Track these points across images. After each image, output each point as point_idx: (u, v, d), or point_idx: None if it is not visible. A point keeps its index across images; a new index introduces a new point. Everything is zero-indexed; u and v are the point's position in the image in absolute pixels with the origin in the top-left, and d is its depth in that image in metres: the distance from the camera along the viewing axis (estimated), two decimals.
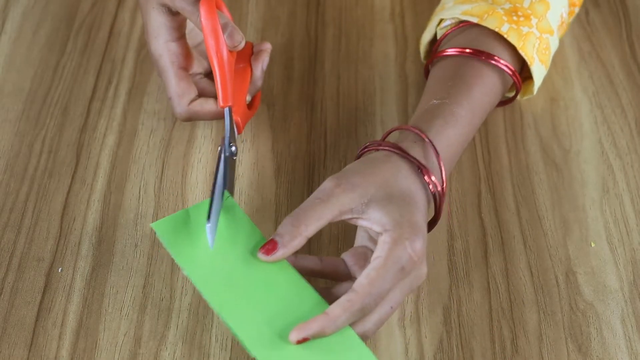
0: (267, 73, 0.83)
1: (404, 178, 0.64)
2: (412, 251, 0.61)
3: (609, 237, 0.72)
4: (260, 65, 0.76)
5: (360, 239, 0.65)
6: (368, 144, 0.68)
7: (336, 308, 0.59)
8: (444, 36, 0.76)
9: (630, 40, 0.87)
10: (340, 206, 0.62)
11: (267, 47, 0.77)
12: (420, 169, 0.65)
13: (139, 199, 0.74)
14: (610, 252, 0.71)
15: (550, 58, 0.76)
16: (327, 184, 0.63)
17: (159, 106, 0.81)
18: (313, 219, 0.61)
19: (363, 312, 0.59)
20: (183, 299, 0.68)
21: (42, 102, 0.81)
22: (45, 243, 0.71)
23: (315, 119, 0.80)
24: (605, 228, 0.72)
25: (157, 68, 0.74)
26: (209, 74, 0.77)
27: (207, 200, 0.64)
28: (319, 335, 0.58)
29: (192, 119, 0.74)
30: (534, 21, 0.73)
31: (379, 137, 0.78)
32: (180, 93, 0.73)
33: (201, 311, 0.67)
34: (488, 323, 0.67)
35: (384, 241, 0.61)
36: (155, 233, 0.64)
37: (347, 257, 0.64)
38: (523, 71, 0.76)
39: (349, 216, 0.62)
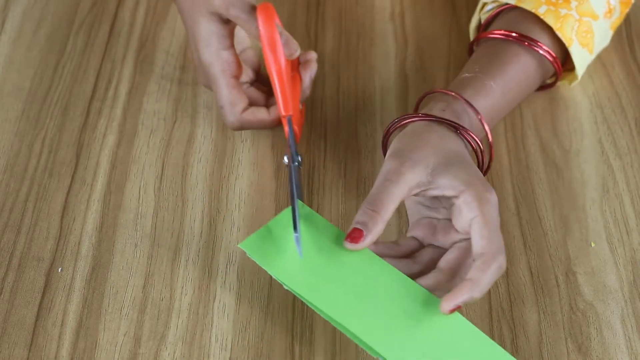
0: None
1: (451, 141, 0.66)
2: (493, 199, 0.63)
3: (609, 237, 0.72)
4: (309, 74, 0.76)
5: (415, 214, 0.67)
6: (398, 119, 0.69)
7: (476, 272, 0.60)
8: (487, 20, 0.77)
9: (630, 40, 0.87)
10: (409, 182, 0.63)
11: (314, 56, 0.77)
12: (458, 129, 0.66)
13: (138, 199, 0.74)
14: (610, 252, 0.71)
15: (596, 43, 0.76)
16: (391, 164, 0.64)
17: (159, 106, 0.81)
18: (388, 201, 0.62)
19: (500, 270, 0.61)
20: (183, 299, 0.68)
21: (42, 102, 0.81)
22: (45, 243, 0.71)
23: (315, 119, 0.80)
24: (605, 228, 0.72)
25: (206, 77, 0.74)
26: (254, 83, 0.77)
27: (288, 211, 0.64)
28: (469, 301, 0.60)
29: (243, 127, 0.74)
30: (573, 4, 0.74)
31: (379, 137, 0.78)
32: (232, 102, 0.73)
33: (201, 311, 0.67)
34: (488, 323, 0.67)
35: (467, 202, 0.62)
36: (244, 252, 0.65)
37: (416, 232, 0.66)
38: (567, 59, 0.77)
39: (417, 190, 0.64)
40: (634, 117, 0.80)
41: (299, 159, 0.70)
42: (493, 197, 0.63)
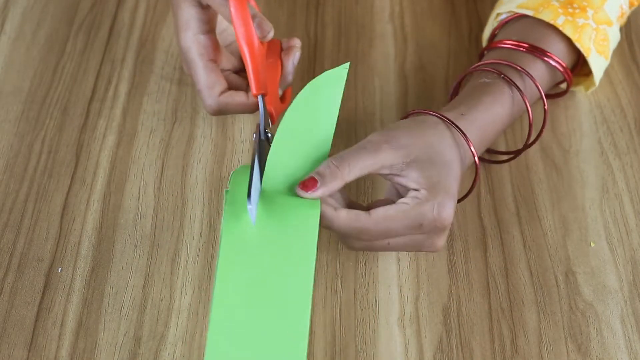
0: None
1: (448, 147, 0.65)
2: (438, 214, 0.62)
3: (608, 237, 0.72)
4: (291, 60, 0.75)
5: (388, 194, 0.67)
6: (417, 109, 0.70)
7: (341, 211, 0.62)
8: (499, 26, 0.77)
9: (629, 40, 0.87)
10: (383, 160, 0.63)
11: (297, 42, 0.76)
12: (467, 140, 0.66)
13: (138, 199, 0.74)
14: (609, 252, 0.71)
15: (611, 49, 0.77)
16: (375, 137, 0.64)
17: (159, 106, 0.81)
18: (354, 165, 0.63)
19: (360, 234, 0.62)
20: (183, 299, 0.68)
21: (41, 103, 0.81)
22: (45, 243, 0.71)
23: None
24: (604, 228, 0.72)
25: (185, 61, 0.74)
26: (238, 72, 0.77)
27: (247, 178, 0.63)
28: (322, 216, 0.61)
29: (222, 111, 0.73)
30: (590, 12, 0.74)
31: None
32: (210, 85, 0.72)
33: (201, 311, 0.67)
34: (488, 323, 0.67)
35: (415, 195, 0.62)
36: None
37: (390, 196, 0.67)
38: (582, 63, 0.77)
39: (388, 172, 0.64)
40: (634, 117, 0.80)
41: (269, 136, 0.69)
42: (445, 210, 0.62)
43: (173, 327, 0.66)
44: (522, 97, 0.70)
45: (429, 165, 0.64)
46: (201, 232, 0.72)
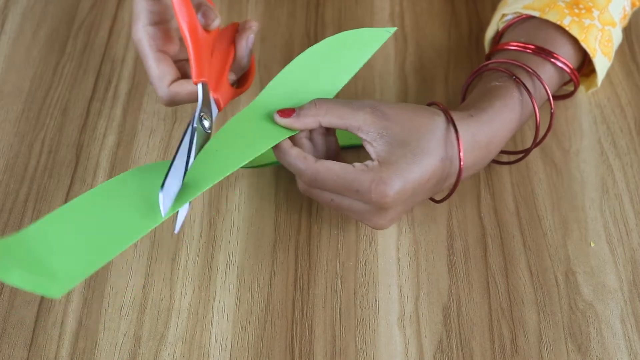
0: (267, 73, 0.83)
1: (433, 140, 0.65)
2: (375, 187, 0.63)
3: (608, 237, 0.72)
4: (244, 43, 0.74)
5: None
6: (434, 101, 0.70)
7: (294, 149, 0.65)
8: (505, 28, 0.77)
9: (629, 41, 0.87)
10: (360, 122, 0.65)
11: (252, 25, 0.75)
12: (458, 142, 0.66)
13: None
14: (609, 252, 0.71)
15: (614, 50, 0.77)
16: (366, 101, 0.66)
17: (159, 106, 0.81)
18: (335, 113, 0.66)
19: (301, 176, 0.65)
20: (183, 299, 0.68)
21: (41, 103, 0.81)
22: None
23: None
24: (604, 228, 0.72)
25: (138, 53, 0.73)
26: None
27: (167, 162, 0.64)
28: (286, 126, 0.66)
29: (174, 101, 0.72)
30: (595, 13, 0.74)
31: None
32: (160, 75, 0.71)
33: (201, 311, 0.67)
34: (487, 323, 0.67)
35: (366, 163, 0.64)
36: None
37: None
38: (586, 63, 0.77)
39: (361, 134, 0.65)
40: (634, 117, 0.80)
41: (207, 125, 0.67)
42: (385, 187, 0.63)
43: (173, 327, 0.66)
44: (530, 99, 0.70)
45: (400, 145, 0.64)
46: (201, 232, 0.72)
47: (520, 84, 0.70)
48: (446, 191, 0.69)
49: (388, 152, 0.64)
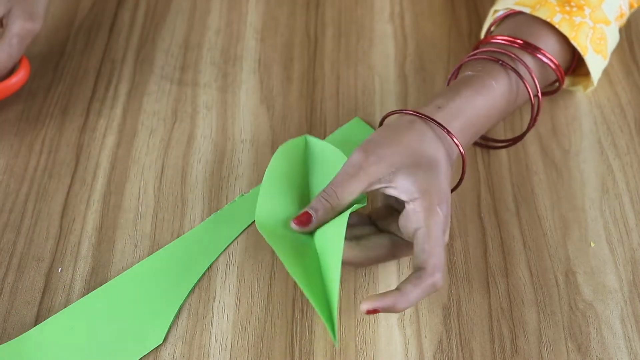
0: (266, 73, 0.83)
1: (429, 144, 0.65)
2: (442, 218, 0.62)
3: (608, 237, 0.72)
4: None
5: (385, 198, 0.68)
6: (392, 111, 0.70)
7: (407, 285, 0.60)
8: (495, 22, 0.77)
9: (629, 40, 0.87)
10: (369, 178, 0.64)
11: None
12: (447, 132, 0.66)
13: (138, 199, 0.74)
14: (609, 252, 0.71)
15: (609, 48, 0.77)
16: (355, 157, 0.65)
17: (159, 106, 0.81)
18: (345, 193, 0.64)
19: (434, 288, 0.61)
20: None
21: (41, 102, 0.81)
22: (45, 243, 0.71)
23: (315, 119, 0.80)
24: (604, 228, 0.72)
25: None
26: None
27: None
28: (390, 310, 0.60)
29: None
30: (587, 11, 0.74)
31: None
32: None
33: (201, 311, 0.67)
34: (488, 323, 0.67)
35: (415, 211, 0.62)
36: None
37: (375, 213, 0.68)
38: (579, 63, 0.77)
39: (378, 186, 0.64)
40: (634, 117, 0.80)
41: None
42: (443, 211, 0.62)
43: (173, 327, 0.66)
44: (520, 78, 0.70)
45: (415, 170, 0.63)
46: None
47: (507, 66, 0.70)
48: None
49: (414, 183, 0.63)
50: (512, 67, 0.70)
